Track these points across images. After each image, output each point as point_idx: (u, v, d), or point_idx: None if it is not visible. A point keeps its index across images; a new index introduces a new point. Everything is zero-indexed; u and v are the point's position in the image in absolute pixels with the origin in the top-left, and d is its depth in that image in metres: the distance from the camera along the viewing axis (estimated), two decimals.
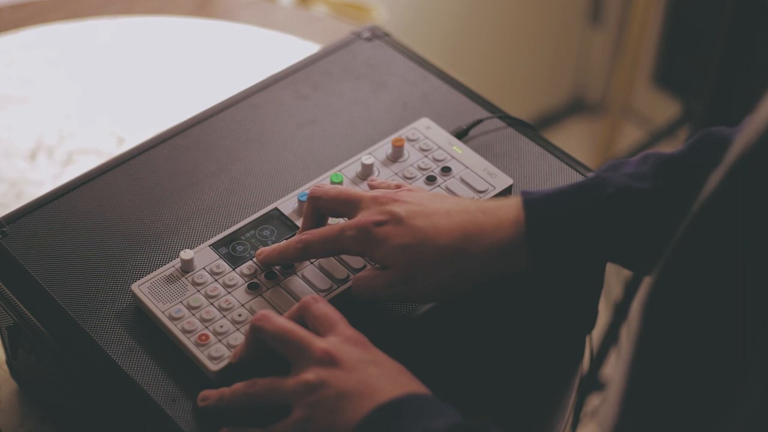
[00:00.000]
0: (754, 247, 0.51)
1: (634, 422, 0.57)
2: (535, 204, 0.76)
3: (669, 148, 0.80)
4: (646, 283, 0.57)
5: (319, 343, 0.71)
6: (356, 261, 0.80)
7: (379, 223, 0.76)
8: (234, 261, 0.81)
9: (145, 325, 0.79)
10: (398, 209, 0.76)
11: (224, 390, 0.73)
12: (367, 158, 0.87)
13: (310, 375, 0.70)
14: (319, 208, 0.80)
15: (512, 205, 0.76)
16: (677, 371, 0.54)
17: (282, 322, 0.73)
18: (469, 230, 0.75)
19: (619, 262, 0.79)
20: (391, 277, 0.75)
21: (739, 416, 0.51)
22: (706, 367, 0.53)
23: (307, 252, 0.78)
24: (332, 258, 0.81)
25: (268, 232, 0.83)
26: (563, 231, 0.75)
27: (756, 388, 0.50)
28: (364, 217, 0.77)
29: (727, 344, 0.52)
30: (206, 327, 0.77)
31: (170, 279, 0.80)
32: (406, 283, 0.75)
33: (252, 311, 0.78)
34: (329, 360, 0.70)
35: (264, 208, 0.85)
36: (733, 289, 0.52)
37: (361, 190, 0.83)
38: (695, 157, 0.76)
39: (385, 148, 0.89)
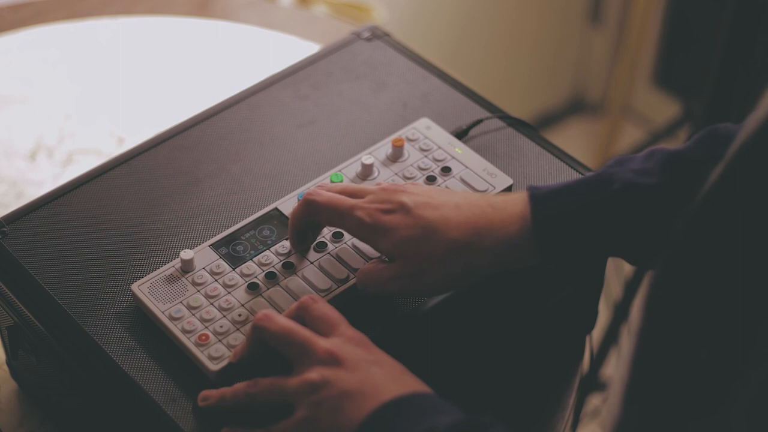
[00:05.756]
0: (752, 237, 0.51)
1: (637, 415, 0.57)
2: (541, 199, 0.76)
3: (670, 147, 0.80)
4: (649, 276, 0.57)
5: (322, 343, 0.71)
6: (356, 261, 0.80)
7: (386, 211, 0.76)
8: (234, 261, 0.81)
9: (145, 325, 0.79)
10: (406, 199, 0.76)
11: (225, 390, 0.73)
12: (367, 158, 0.87)
13: (314, 374, 0.70)
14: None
15: (519, 200, 0.76)
16: (680, 363, 0.55)
17: (285, 322, 0.73)
18: (479, 224, 0.75)
19: (625, 257, 0.79)
20: (397, 270, 0.75)
21: (740, 400, 0.51)
22: (707, 356, 0.53)
23: (309, 209, 0.78)
24: (332, 258, 0.81)
25: (268, 232, 0.83)
26: (569, 226, 0.75)
27: (755, 374, 0.50)
28: (372, 203, 0.76)
29: (727, 333, 0.52)
30: (206, 327, 0.77)
31: (170, 279, 0.80)
32: (413, 275, 0.75)
33: (252, 311, 0.78)
34: (332, 360, 0.70)
35: (264, 208, 0.85)
36: (733, 280, 0.52)
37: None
38: (701, 153, 0.77)
39: (385, 148, 0.89)
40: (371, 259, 0.80)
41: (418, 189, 0.78)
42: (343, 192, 0.79)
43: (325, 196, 0.77)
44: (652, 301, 0.57)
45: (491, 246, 0.75)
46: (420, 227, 0.75)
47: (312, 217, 0.79)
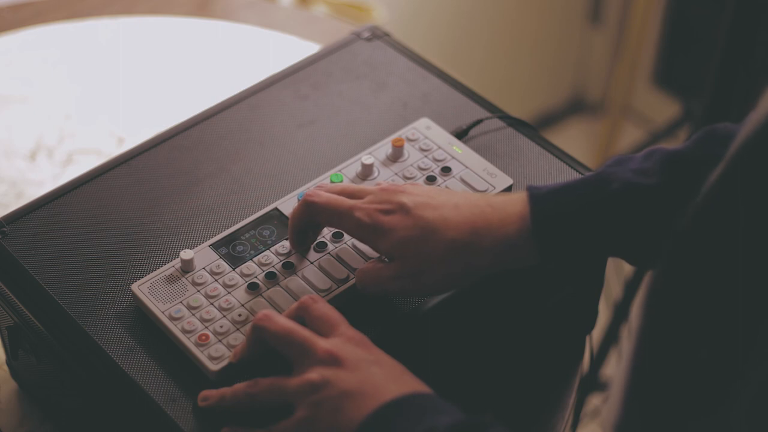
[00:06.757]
0: (753, 236, 0.51)
1: (638, 416, 0.57)
2: (540, 199, 0.76)
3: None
4: (649, 277, 0.57)
5: (322, 344, 0.71)
6: (356, 261, 0.80)
7: (385, 212, 0.75)
8: (234, 261, 0.81)
9: (145, 325, 0.79)
10: (406, 199, 0.76)
11: (225, 390, 0.73)
12: (367, 158, 0.87)
13: (314, 375, 0.70)
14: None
15: (518, 200, 0.76)
16: (680, 363, 0.55)
17: (285, 322, 0.73)
18: (478, 224, 0.75)
19: (625, 257, 0.79)
20: (397, 270, 0.75)
21: (740, 400, 0.51)
22: (707, 356, 0.53)
23: (308, 210, 0.78)
24: (332, 258, 0.81)
25: (268, 232, 0.83)
26: (568, 226, 0.75)
27: (755, 374, 0.51)
28: (371, 203, 0.76)
29: (727, 333, 0.52)
30: (206, 327, 0.77)
31: (170, 279, 0.80)
32: (413, 275, 0.75)
33: (252, 311, 0.78)
34: (332, 360, 0.70)
35: (264, 208, 0.85)
36: (733, 279, 0.52)
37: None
38: (700, 153, 0.77)
39: (385, 148, 0.89)
40: (370, 258, 0.80)
41: (418, 189, 0.78)
42: (342, 192, 0.79)
43: (324, 197, 0.78)
44: (652, 301, 0.57)
45: (490, 246, 0.75)
46: (419, 228, 0.75)
47: (311, 218, 0.79)
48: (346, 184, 0.81)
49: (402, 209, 0.75)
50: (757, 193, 0.51)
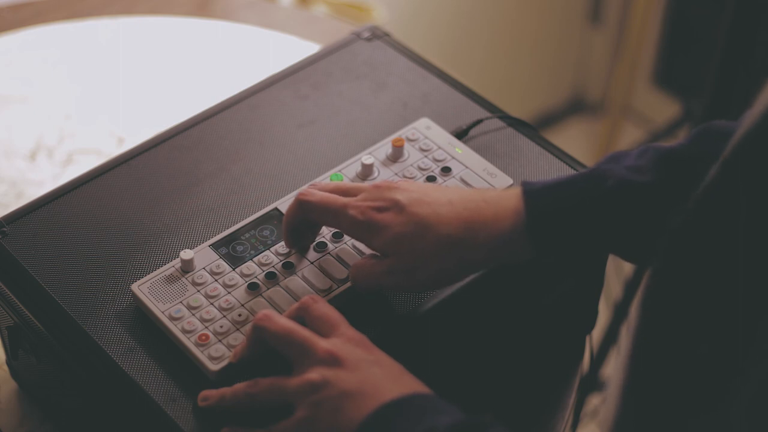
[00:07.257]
0: (753, 230, 0.51)
1: (635, 414, 0.57)
2: (534, 195, 0.76)
3: None
4: (648, 273, 0.57)
5: (322, 344, 0.71)
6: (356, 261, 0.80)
7: (380, 209, 0.75)
8: (234, 261, 0.81)
9: (145, 325, 0.79)
10: (400, 196, 0.76)
11: (225, 390, 0.73)
12: (367, 158, 0.87)
13: (314, 375, 0.70)
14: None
15: (513, 196, 0.76)
16: (679, 359, 0.55)
17: (285, 322, 0.73)
18: (471, 220, 0.75)
19: (620, 254, 0.79)
20: (390, 265, 0.75)
21: (740, 398, 0.51)
22: (708, 351, 0.53)
23: (302, 208, 0.78)
24: (332, 258, 0.81)
25: (268, 232, 0.83)
26: (563, 222, 0.75)
27: (755, 372, 0.51)
28: (365, 201, 0.76)
29: (728, 328, 0.52)
30: (206, 327, 0.77)
31: (170, 279, 0.80)
32: (407, 271, 0.75)
33: (252, 311, 0.78)
34: (332, 360, 0.70)
35: (264, 208, 0.85)
36: (733, 274, 0.52)
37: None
38: (696, 150, 0.77)
39: (385, 148, 0.89)
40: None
41: (412, 186, 0.78)
42: (336, 190, 0.79)
43: (318, 195, 0.78)
44: (651, 297, 0.57)
45: (484, 241, 0.75)
46: (413, 224, 0.75)
47: (305, 216, 0.79)
48: (340, 182, 0.81)
49: (396, 206, 0.75)
50: (758, 185, 0.51)
